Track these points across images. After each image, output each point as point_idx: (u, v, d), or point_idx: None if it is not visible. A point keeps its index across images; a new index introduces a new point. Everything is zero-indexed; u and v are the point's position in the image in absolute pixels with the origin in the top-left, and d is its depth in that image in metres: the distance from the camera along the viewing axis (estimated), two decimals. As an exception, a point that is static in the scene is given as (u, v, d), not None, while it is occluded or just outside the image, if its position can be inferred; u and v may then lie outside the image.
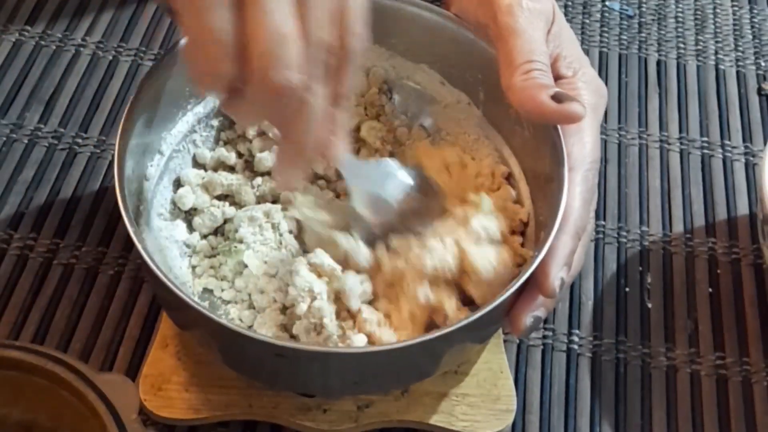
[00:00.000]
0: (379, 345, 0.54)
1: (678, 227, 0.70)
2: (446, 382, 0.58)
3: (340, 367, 0.52)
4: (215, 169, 0.63)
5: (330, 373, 0.53)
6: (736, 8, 0.86)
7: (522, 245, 0.59)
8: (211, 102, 0.63)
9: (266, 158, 0.62)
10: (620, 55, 0.81)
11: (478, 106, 0.64)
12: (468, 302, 0.56)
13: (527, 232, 0.59)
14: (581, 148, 0.55)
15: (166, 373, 0.58)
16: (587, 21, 0.83)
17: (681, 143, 0.75)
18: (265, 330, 0.55)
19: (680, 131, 0.76)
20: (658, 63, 0.81)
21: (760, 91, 0.79)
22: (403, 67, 0.65)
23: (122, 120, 0.54)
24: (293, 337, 0.55)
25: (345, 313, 0.55)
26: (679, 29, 0.84)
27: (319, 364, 0.51)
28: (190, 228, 0.61)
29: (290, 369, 0.52)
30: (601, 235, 0.69)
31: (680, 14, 0.85)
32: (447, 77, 0.64)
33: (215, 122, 0.64)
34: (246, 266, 0.58)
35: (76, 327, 0.62)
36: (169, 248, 0.59)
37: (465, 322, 0.49)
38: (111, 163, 0.54)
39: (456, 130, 0.64)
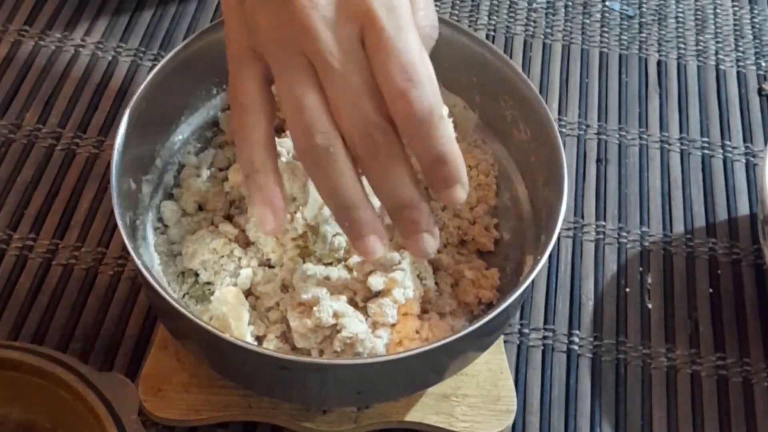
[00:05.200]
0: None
1: (678, 228, 0.70)
2: (446, 383, 0.58)
3: (345, 377, 0.51)
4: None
5: (333, 385, 0.52)
6: (736, 8, 0.86)
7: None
8: (203, 113, 0.63)
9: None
10: (620, 56, 0.81)
11: (474, 109, 0.64)
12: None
13: (527, 235, 0.59)
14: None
15: (165, 374, 0.58)
16: (587, 21, 0.83)
17: (681, 144, 0.75)
18: (266, 343, 0.55)
19: (681, 132, 0.76)
20: (659, 63, 0.81)
21: (760, 91, 0.79)
22: None
23: (117, 136, 0.54)
24: (295, 348, 0.55)
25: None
26: (680, 29, 0.83)
27: (324, 375, 0.51)
28: None
29: (293, 381, 0.52)
30: (601, 236, 0.69)
31: (681, 14, 0.85)
32: (442, 81, 0.64)
33: (209, 133, 0.64)
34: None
35: (75, 327, 0.62)
36: (167, 262, 0.59)
37: (466, 331, 0.49)
38: (110, 163, 0.54)
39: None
